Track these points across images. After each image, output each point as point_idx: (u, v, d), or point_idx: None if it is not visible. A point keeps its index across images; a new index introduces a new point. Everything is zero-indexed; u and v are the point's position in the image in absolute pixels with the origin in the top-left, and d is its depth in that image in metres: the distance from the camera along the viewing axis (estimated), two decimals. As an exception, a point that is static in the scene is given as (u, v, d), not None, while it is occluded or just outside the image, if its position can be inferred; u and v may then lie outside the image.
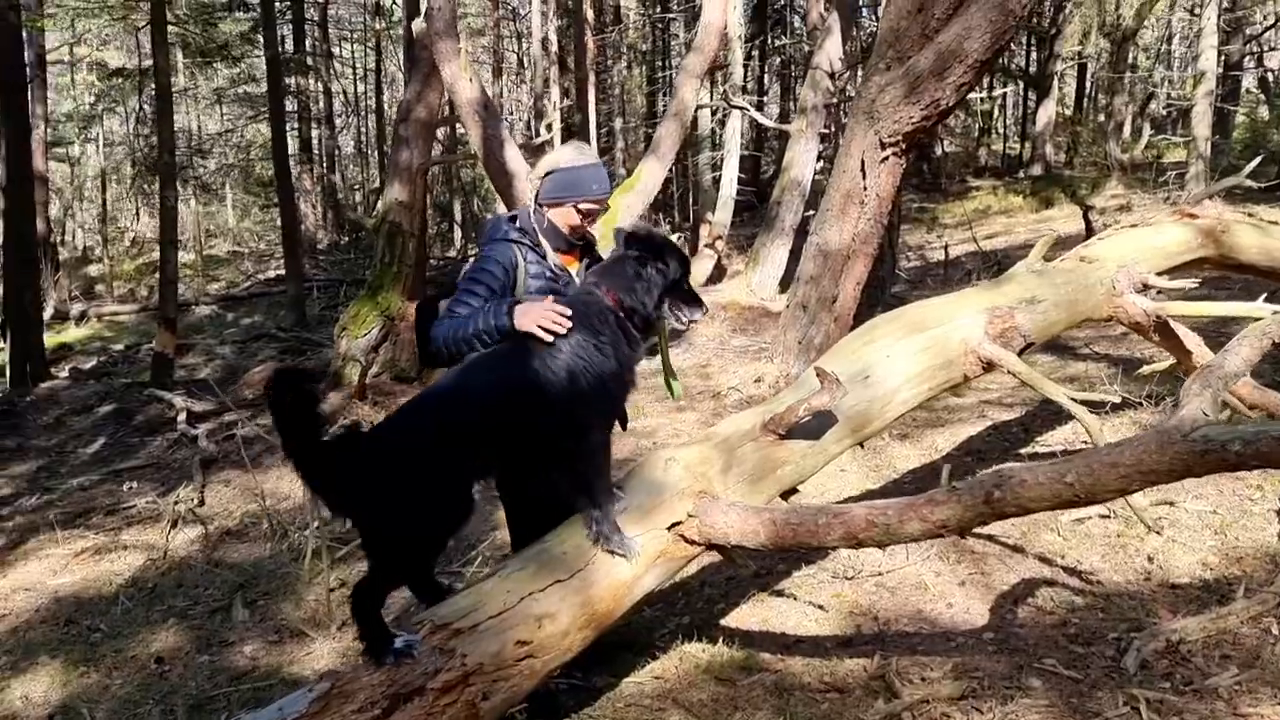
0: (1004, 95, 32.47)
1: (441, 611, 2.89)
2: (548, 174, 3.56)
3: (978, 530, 4.77)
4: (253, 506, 6.39)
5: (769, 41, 26.48)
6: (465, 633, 2.83)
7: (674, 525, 3.21)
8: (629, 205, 8.64)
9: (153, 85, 23.71)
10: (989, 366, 3.89)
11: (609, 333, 3.06)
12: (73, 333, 16.61)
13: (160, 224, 11.77)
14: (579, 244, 3.59)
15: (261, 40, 17.90)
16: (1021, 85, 29.96)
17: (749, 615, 4.29)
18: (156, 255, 25.42)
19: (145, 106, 21.87)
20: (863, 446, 3.94)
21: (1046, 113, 25.93)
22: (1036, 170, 25.00)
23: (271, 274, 21.52)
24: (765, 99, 30.55)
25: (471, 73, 7.03)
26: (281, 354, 12.90)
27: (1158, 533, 4.08)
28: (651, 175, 8.91)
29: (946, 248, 14.34)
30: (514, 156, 7.18)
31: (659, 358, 3.64)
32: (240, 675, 4.19)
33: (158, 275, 12.72)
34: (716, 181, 17.46)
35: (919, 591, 4.30)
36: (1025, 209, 20.69)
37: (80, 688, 4.20)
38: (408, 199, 8.71)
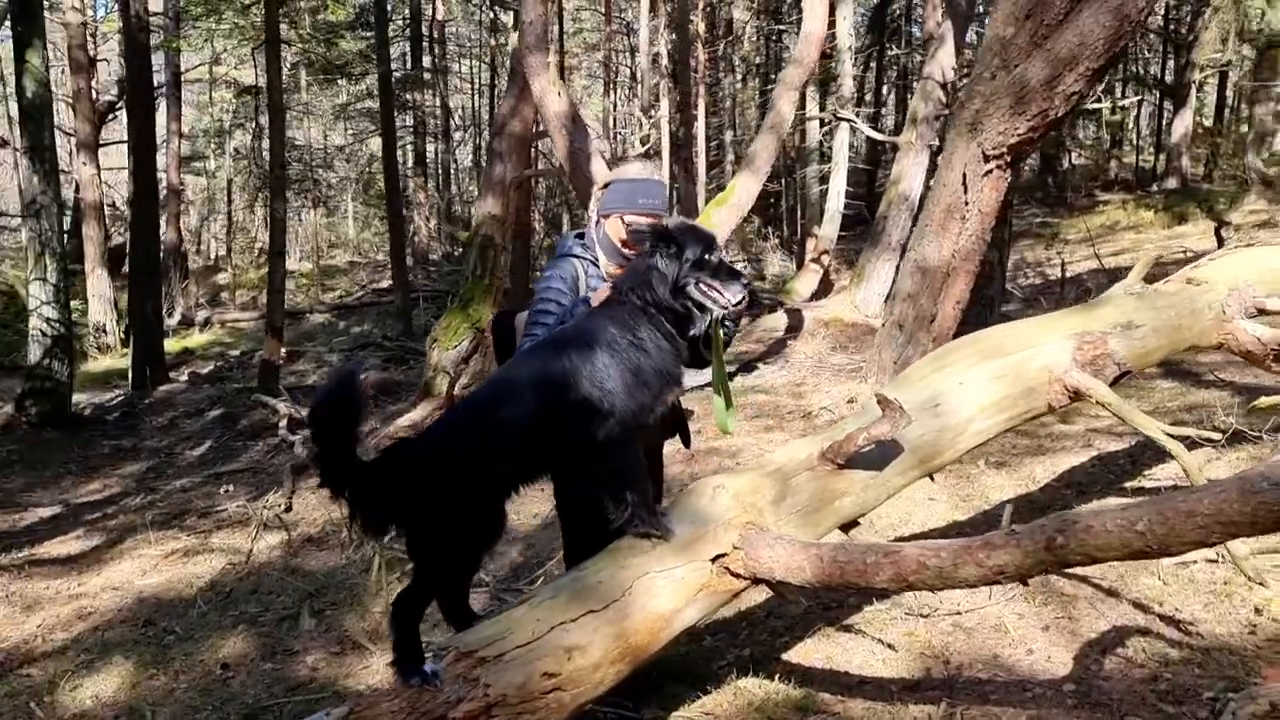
0: (1138, 106, 31.08)
1: (468, 638, 2.81)
2: (605, 185, 3.60)
3: (1069, 571, 4.47)
4: (335, 514, 6.47)
5: (885, 52, 25.93)
6: (490, 661, 2.73)
7: (718, 557, 3.06)
8: (722, 219, 8.50)
9: (289, 101, 24.80)
10: (1076, 396, 3.60)
11: (644, 330, 2.96)
12: (196, 338, 17.41)
13: (269, 235, 12.19)
14: None
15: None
16: (1157, 95, 28.59)
17: (813, 651, 4.08)
18: (281, 264, 26.59)
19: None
20: (932, 479, 3.69)
21: (1183, 123, 24.59)
22: (1171, 184, 23.75)
23: (384, 284, 22.12)
24: (883, 111, 29.98)
25: (560, 87, 7.01)
26: (386, 363, 13.20)
27: (1260, 584, 3.71)
28: (745, 189, 8.74)
29: (1064, 264, 13.71)
30: (600, 170, 7.13)
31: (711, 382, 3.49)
32: (297, 686, 4.20)
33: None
34: (824, 195, 17.13)
35: (998, 634, 4.02)
36: (1156, 225, 19.68)
37: (147, 689, 4.29)
38: (500, 212, 8.77)
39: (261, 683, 4.28)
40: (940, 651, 3.92)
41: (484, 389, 3.07)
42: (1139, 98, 27.32)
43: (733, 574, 3.07)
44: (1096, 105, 15.72)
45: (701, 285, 2.99)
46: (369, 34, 21.49)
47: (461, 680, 2.71)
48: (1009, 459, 6.43)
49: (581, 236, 3.65)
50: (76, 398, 12.70)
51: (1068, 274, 14.04)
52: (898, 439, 3.29)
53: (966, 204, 7.09)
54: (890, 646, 4.01)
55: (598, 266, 3.55)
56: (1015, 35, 6.80)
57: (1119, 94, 27.78)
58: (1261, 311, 4.13)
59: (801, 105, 20.63)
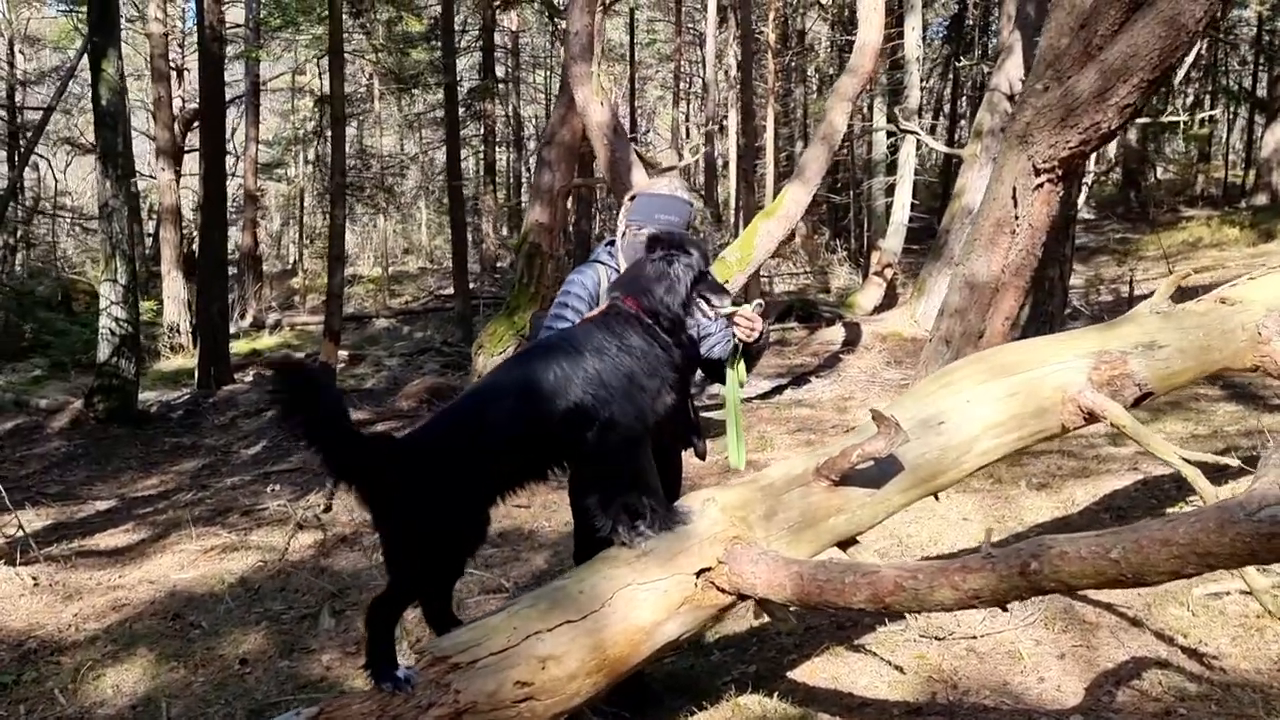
0: (1229, 119, 30.03)
1: (443, 644, 2.82)
2: (632, 198, 3.67)
3: (1096, 597, 4.32)
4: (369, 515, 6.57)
5: (956, 63, 25.52)
6: (463, 668, 2.74)
7: (703, 571, 3.02)
8: (769, 230, 8.44)
9: (363, 110, 25.39)
10: (1091, 417, 3.48)
11: (633, 336, 2.97)
12: (265, 340, 17.88)
13: (329, 240, 12.48)
14: None
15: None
16: (1248, 107, 27.60)
17: (819, 670, 4.01)
18: (354, 270, 27.19)
19: (349, 129, 23.39)
20: (936, 498, 3.60)
21: (1274, 137, 23.68)
22: (1261, 200, 22.90)
23: (450, 290, 22.45)
24: (961, 123, 29.46)
25: (603, 96, 7.05)
26: (444, 368, 13.38)
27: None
28: (795, 200, 8.66)
29: (1132, 282, 13.30)
30: (640, 180, 7.15)
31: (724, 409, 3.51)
32: (307, 684, 4.26)
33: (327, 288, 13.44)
34: (890, 207, 16.90)
35: (1011, 661, 3.90)
36: (1241, 242, 19.00)
37: (166, 681, 4.39)
38: (548, 221, 8.84)
39: (275, 679, 4.36)
40: (949, 676, 3.83)
41: (469, 393, 3.10)
42: (1220, 109, 26.31)
43: (718, 589, 3.03)
44: (1175, 118, 15.19)
45: (702, 299, 3.08)
46: (439, 43, 21.85)
47: (434, 685, 2.72)
48: (1052, 481, 6.28)
49: (611, 244, 3.73)
50: (146, 395, 13.14)
51: (1140, 292, 13.62)
52: (897, 457, 3.22)
53: (1017, 218, 6.95)
54: (899, 669, 3.92)
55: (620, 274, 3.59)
56: (1069, 46, 6.66)
57: (1207, 106, 26.86)
58: (1303, 334, 3.94)
59: (869, 116, 20.47)
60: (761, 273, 19.29)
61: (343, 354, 14.28)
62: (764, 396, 9.89)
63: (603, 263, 3.66)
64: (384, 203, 23.88)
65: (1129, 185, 26.17)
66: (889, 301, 16.05)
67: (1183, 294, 4.08)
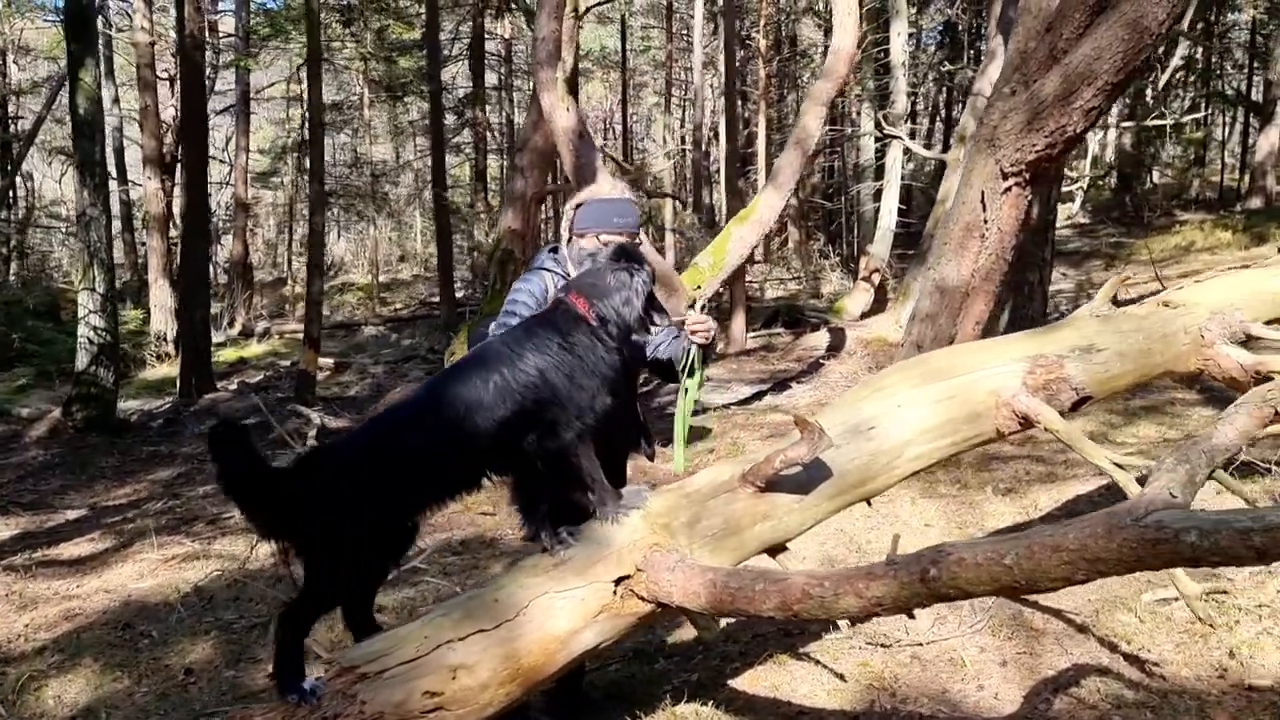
0: (1224, 122, 30.02)
1: (352, 654, 2.78)
2: (578, 205, 3.65)
3: (1045, 603, 4.29)
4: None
5: (944, 69, 25.50)
6: (370, 678, 2.70)
7: (622, 579, 2.98)
8: (743, 235, 8.41)
9: (355, 118, 25.41)
10: (1026, 422, 3.44)
11: (577, 334, 2.94)
12: (252, 349, 17.86)
13: (308, 248, 12.46)
14: None
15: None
16: (1242, 111, 27.56)
17: (761, 679, 3.98)
18: (347, 278, 27.20)
19: (342, 137, 23.45)
20: (869, 504, 3.55)
21: (1269, 141, 23.63)
22: (1255, 203, 22.87)
23: (438, 297, 22.44)
24: (956, 129, 29.41)
25: (569, 102, 7.02)
26: (428, 375, 13.35)
27: (1210, 625, 3.50)
28: (768, 205, 8.63)
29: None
30: (606, 184, 7.12)
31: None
32: (248, 695, 4.23)
33: (315, 297, 13.41)
34: (878, 213, 16.89)
35: (953, 668, 3.87)
36: (1234, 245, 18.97)
37: (109, 692, 4.35)
38: (520, 227, 8.82)
39: (217, 690, 4.32)
40: (889, 684, 3.79)
41: (401, 402, 3.07)
42: (1215, 113, 26.29)
43: (638, 597, 2.99)
44: (1161, 121, 15.17)
45: (648, 313, 3.10)
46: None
47: (340, 696, 2.68)
48: (1018, 485, 6.25)
49: (556, 251, 3.68)
50: (129, 404, 13.14)
51: (1127, 297, 13.59)
52: (825, 463, 3.18)
53: (986, 222, 6.93)
54: (841, 677, 3.89)
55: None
56: (1035, 49, 6.67)
57: (1204, 110, 26.86)
58: (1250, 337, 3.90)
59: (856, 122, 20.45)
60: (751, 277, 19.29)
61: (327, 361, 14.27)
62: (743, 402, 9.86)
63: (549, 269, 3.63)
64: (373, 211, 23.89)
65: (1124, 189, 26.12)
66: (878, 306, 16.03)
67: (1126, 304, 4.06)
